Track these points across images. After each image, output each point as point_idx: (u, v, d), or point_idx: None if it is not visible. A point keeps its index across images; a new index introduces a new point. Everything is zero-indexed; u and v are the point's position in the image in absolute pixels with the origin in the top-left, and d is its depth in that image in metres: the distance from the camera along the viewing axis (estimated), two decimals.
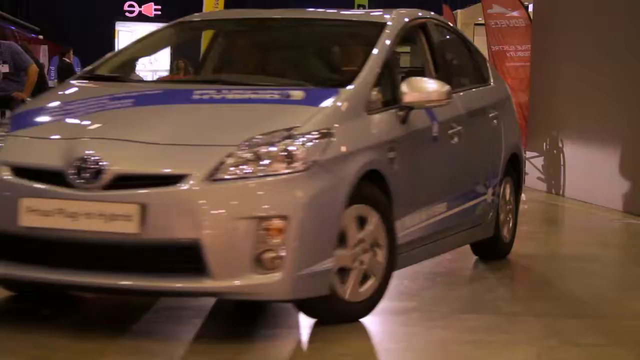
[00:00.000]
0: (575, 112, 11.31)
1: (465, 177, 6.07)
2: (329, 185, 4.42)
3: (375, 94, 4.99)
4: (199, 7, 20.48)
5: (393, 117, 5.07)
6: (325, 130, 4.51)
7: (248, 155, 4.29)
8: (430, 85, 5.15)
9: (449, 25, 6.81)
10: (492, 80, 6.80)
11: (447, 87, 5.16)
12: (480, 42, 15.24)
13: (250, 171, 4.26)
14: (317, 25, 6.09)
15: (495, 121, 6.53)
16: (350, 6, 29.77)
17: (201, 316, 4.81)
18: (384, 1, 33.80)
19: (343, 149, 4.56)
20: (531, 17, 12.81)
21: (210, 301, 5.07)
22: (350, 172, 4.54)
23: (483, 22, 13.83)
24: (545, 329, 4.77)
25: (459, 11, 16.27)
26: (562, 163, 11.54)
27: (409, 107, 5.11)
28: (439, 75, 5.65)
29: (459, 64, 6.74)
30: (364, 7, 29.23)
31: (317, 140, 4.45)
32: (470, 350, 4.37)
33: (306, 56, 6.05)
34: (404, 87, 5.06)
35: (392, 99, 5.09)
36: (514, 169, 6.89)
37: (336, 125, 4.59)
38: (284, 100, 4.84)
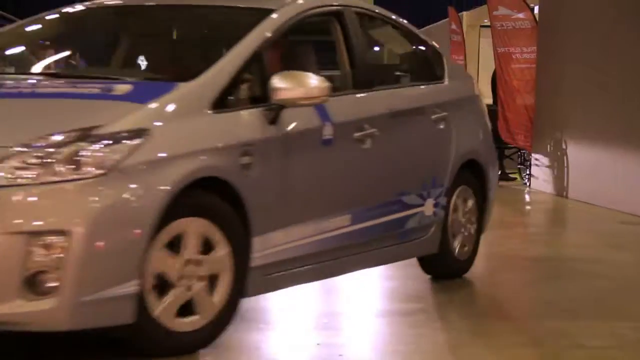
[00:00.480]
0: (581, 114, 11.30)
1: (384, 186, 5.32)
2: (132, 195, 3.79)
3: (230, 89, 4.36)
4: None
5: (256, 117, 4.42)
6: (136, 130, 3.90)
7: (28, 159, 3.70)
8: (307, 81, 4.48)
9: (386, 16, 6.01)
10: (447, 78, 6.10)
11: (325, 84, 4.53)
12: (486, 44, 15.29)
13: (29, 177, 3.67)
14: (196, 12, 5.38)
15: (441, 123, 5.80)
16: None
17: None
18: (388, 2, 33.90)
19: (162, 152, 3.95)
20: (537, 18, 12.80)
21: None
22: (170, 179, 3.90)
23: (489, 24, 13.82)
24: (551, 332, 4.77)
25: (464, 13, 16.27)
26: (567, 164, 11.53)
27: (280, 106, 4.46)
28: (355, 71, 5.18)
29: (391, 59, 6.25)
30: None
31: (123, 142, 3.84)
32: (477, 353, 4.37)
33: (165, 46, 5.48)
34: (273, 83, 4.41)
35: (262, 96, 4.48)
36: (477, 178, 6.17)
37: (158, 124, 4.00)
38: (102, 95, 4.28)
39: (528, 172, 12.77)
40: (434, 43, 6.25)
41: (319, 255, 4.83)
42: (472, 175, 6.11)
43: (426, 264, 5.96)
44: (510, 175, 13.53)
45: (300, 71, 4.54)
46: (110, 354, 4.13)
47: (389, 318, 5.03)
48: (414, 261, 6.74)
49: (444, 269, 5.97)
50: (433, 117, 5.75)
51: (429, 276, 5.97)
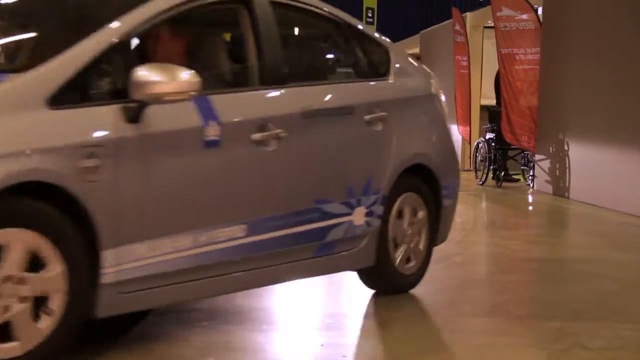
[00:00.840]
0: (584, 115, 11.30)
1: (294, 193, 4.73)
2: None
3: (77, 83, 3.86)
4: None
5: (110, 114, 3.91)
6: None
7: None
8: (173, 75, 4.00)
9: (315, 6, 5.30)
10: (392, 76, 5.54)
11: (196, 79, 4.04)
12: (489, 45, 15.27)
13: None
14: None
15: (378, 124, 5.24)
16: (359, 9, 29.87)
17: (210, 319, 4.82)
18: (391, 4, 33.96)
19: None
20: (540, 19, 12.80)
21: (220, 304, 5.09)
22: None
23: (492, 24, 13.82)
24: (555, 333, 4.77)
25: (468, 14, 16.24)
26: (571, 165, 11.53)
27: (141, 102, 3.96)
28: (263, 66, 4.68)
29: (316, 53, 5.76)
30: (372, 9, 29.30)
31: None
32: (480, 353, 4.38)
33: (21, 33, 4.90)
34: (134, 77, 3.93)
35: (125, 91, 3.97)
36: (429, 185, 5.61)
37: None
38: None
39: (531, 174, 12.79)
40: (380, 37, 5.71)
41: (200, 270, 4.27)
42: (422, 181, 5.56)
43: (365, 277, 5.50)
44: (514, 176, 13.54)
45: (167, 64, 4.06)
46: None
47: (391, 319, 5.03)
48: None
49: (385, 283, 5.46)
50: (367, 117, 5.18)
51: (433, 276, 5.96)
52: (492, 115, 13.56)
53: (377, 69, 5.57)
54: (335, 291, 5.77)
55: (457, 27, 15.75)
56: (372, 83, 5.46)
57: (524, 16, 12.92)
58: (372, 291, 5.64)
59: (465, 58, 15.48)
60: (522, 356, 4.39)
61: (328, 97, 5.07)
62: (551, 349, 4.46)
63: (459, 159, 16.17)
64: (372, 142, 5.22)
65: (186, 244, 4.17)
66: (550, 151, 12.11)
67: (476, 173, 13.66)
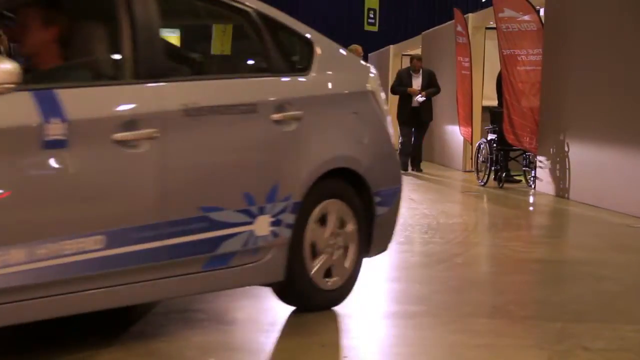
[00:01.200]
0: (586, 116, 11.30)
1: (172, 200, 4.21)
2: None
3: None
4: None
5: None
6: None
7: None
8: None
9: None
10: (314, 71, 5.04)
11: (15, 72, 3.67)
12: (491, 46, 15.28)
13: None
14: None
15: (289, 124, 4.74)
16: (361, 9, 29.87)
17: (212, 319, 4.82)
18: (394, 5, 33.96)
19: None
20: (542, 20, 12.80)
21: (222, 304, 5.09)
22: None
23: (494, 26, 13.81)
24: (556, 334, 4.77)
25: (470, 15, 16.23)
26: (572, 166, 11.53)
27: None
28: (136, 56, 4.21)
29: (206, 45, 5.22)
30: (374, 10, 29.28)
31: None
32: (481, 354, 4.38)
33: None
34: None
35: None
36: (359, 191, 5.11)
37: None
38: None
39: (533, 175, 12.79)
40: (304, 29, 5.17)
41: (40, 288, 3.79)
42: (350, 187, 5.07)
43: (278, 293, 4.96)
44: (516, 177, 13.54)
45: None
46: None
47: (394, 320, 5.03)
48: (421, 263, 6.76)
49: (301, 299, 4.96)
50: (275, 116, 4.68)
51: (434, 277, 5.97)
52: (493, 116, 13.56)
53: (295, 63, 5.11)
54: None
55: (459, 28, 15.75)
56: (285, 79, 4.91)
57: (526, 17, 12.92)
58: (373, 292, 5.65)
59: (467, 59, 15.48)
60: (523, 357, 4.39)
61: (221, 93, 4.53)
62: (552, 349, 4.46)
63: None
64: (280, 144, 4.70)
65: (19, 258, 3.69)
66: (552, 152, 12.10)
67: (478, 174, 13.66)
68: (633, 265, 7.10)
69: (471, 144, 15.47)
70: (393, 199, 5.34)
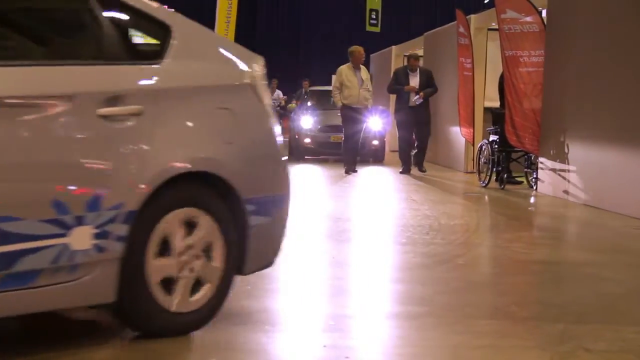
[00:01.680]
0: (588, 118, 11.29)
1: None
2: None
3: None
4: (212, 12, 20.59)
5: None
6: None
7: None
8: None
9: None
10: (169, 59, 4.39)
11: None
12: (493, 47, 15.27)
13: None
14: None
15: (123, 121, 4.11)
16: (363, 10, 29.89)
17: (213, 319, 4.82)
18: (396, 6, 33.96)
19: None
20: (545, 22, 12.79)
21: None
22: None
23: (497, 27, 13.81)
24: (558, 335, 4.77)
25: (472, 16, 16.22)
26: (574, 168, 11.52)
27: None
28: None
29: (16, 28, 4.35)
30: (376, 11, 29.29)
31: None
32: (483, 355, 4.38)
33: None
34: None
35: None
36: (224, 199, 4.47)
37: None
38: None
39: (535, 176, 12.78)
40: (161, 12, 4.49)
41: None
42: (212, 194, 4.44)
43: (119, 316, 4.30)
44: (517, 178, 13.54)
45: None
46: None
47: (396, 321, 5.02)
48: (423, 264, 6.76)
49: (145, 323, 4.27)
50: (101, 110, 4.04)
51: (436, 278, 5.96)
52: (495, 118, 13.55)
53: (141, 50, 4.51)
54: (337, 292, 5.76)
55: (461, 29, 15.75)
56: (122, 67, 4.23)
57: (528, 18, 12.91)
58: (375, 293, 5.64)
59: (469, 60, 15.48)
60: (525, 358, 4.39)
61: (22, 82, 3.88)
62: (554, 351, 4.46)
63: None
64: (108, 143, 4.05)
65: None
66: (553, 153, 12.10)
67: (479, 175, 13.65)
68: (635, 267, 7.09)
69: (473, 145, 15.47)
70: (274, 208, 4.72)
